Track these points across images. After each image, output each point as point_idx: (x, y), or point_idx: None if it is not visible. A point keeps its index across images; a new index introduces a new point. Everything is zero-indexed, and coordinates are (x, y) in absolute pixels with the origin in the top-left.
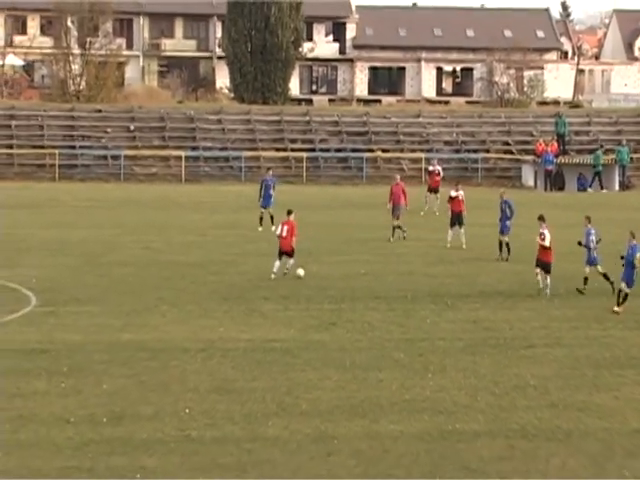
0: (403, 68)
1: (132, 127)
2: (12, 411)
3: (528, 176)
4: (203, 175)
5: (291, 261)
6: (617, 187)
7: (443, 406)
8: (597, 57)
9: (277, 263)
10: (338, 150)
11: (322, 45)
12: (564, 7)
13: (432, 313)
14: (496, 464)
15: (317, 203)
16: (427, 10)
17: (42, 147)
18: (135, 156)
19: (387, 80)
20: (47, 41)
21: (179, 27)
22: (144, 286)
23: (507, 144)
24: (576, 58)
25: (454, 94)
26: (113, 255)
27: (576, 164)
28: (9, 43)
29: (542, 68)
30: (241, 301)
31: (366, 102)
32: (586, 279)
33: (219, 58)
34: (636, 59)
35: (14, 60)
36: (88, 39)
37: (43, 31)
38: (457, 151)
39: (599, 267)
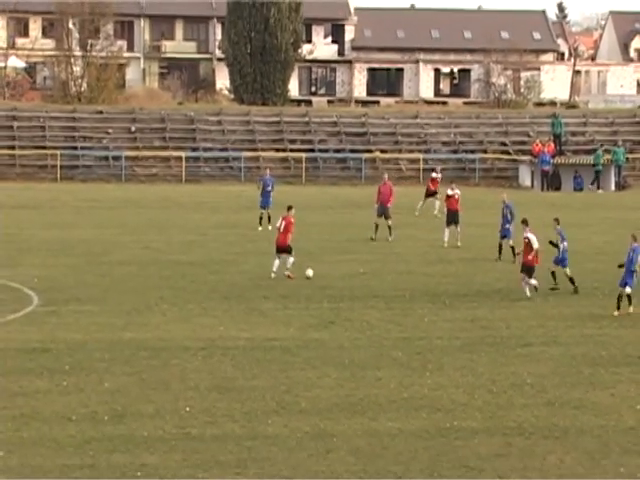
0: (401, 69)
1: (133, 128)
2: (14, 409)
3: (525, 176)
4: (203, 175)
5: (291, 259)
6: (613, 187)
7: (441, 404)
8: (593, 58)
9: (277, 262)
10: (337, 151)
11: (321, 47)
12: (560, 9)
13: (430, 312)
14: (493, 461)
15: (316, 203)
16: (425, 12)
17: (44, 148)
18: (136, 157)
19: (385, 81)
20: (49, 43)
21: (179, 29)
22: (145, 285)
23: (504, 145)
24: (572, 59)
25: (452, 95)
26: (114, 255)
27: (572, 164)
28: (11, 45)
29: (539, 69)
30: (241, 300)
31: (364, 103)
32: (553, 273)
33: (219, 60)
34: (632, 60)
35: (16, 62)
36: (89, 41)
37: (45, 33)
38: (455, 152)
39: (567, 270)
